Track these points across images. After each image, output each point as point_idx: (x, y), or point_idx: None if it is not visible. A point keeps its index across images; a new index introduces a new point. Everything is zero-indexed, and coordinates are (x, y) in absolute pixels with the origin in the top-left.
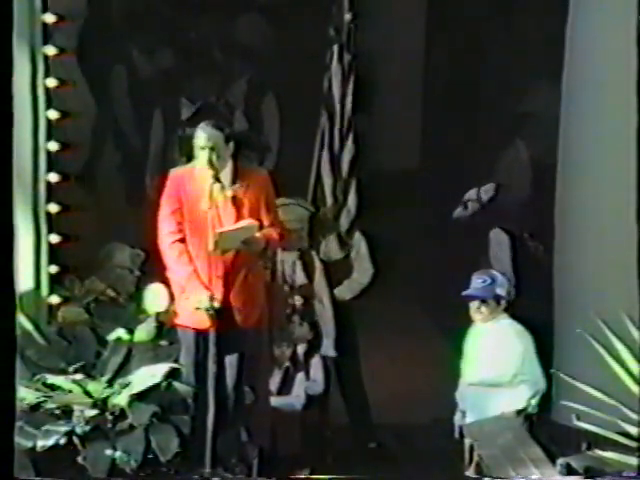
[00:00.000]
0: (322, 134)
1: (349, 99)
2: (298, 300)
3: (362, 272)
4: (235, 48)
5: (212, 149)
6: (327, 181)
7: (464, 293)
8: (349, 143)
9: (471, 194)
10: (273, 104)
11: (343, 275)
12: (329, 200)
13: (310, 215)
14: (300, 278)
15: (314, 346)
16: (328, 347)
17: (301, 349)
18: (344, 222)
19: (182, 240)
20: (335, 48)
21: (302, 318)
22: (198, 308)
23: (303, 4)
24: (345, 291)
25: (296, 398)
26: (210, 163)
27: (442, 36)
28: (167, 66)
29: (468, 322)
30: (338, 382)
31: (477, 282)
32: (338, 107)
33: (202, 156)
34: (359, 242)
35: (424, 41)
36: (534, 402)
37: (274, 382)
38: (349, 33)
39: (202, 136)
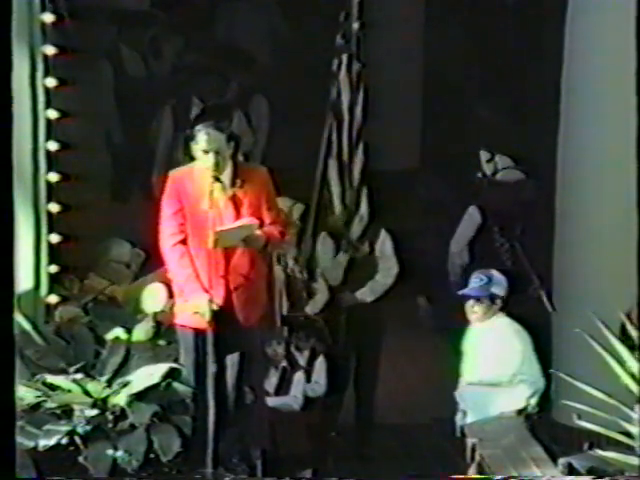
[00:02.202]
0: (329, 142)
1: (359, 108)
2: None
3: (385, 272)
4: (240, 53)
5: (217, 152)
6: (335, 189)
7: (460, 292)
8: (359, 152)
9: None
10: (276, 108)
11: (367, 276)
12: (338, 208)
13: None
14: (299, 278)
15: (318, 348)
16: None
17: (305, 352)
18: (356, 229)
19: (183, 241)
20: (344, 57)
21: (308, 336)
22: (197, 312)
23: (311, 12)
24: (368, 293)
25: (293, 398)
26: (216, 166)
27: (448, 42)
28: (168, 66)
29: (468, 322)
30: (338, 382)
31: (474, 281)
32: (347, 115)
33: (207, 159)
34: (384, 242)
35: (431, 47)
36: (533, 401)
37: (272, 382)
38: (358, 42)
39: (204, 138)
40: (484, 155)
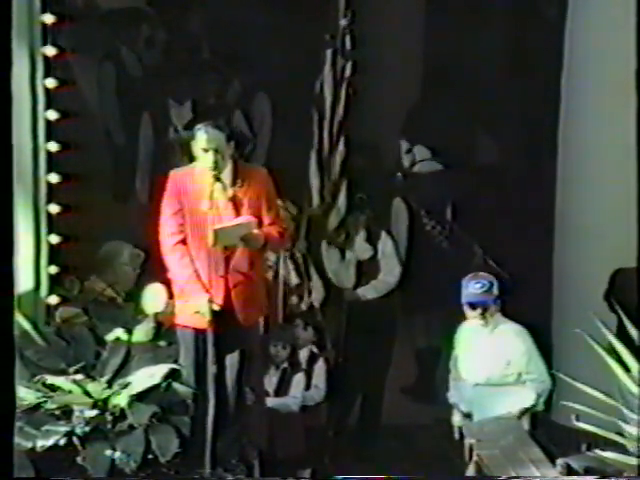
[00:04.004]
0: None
1: (342, 103)
2: (294, 300)
3: (388, 272)
4: (232, 50)
5: (216, 151)
6: (314, 182)
7: (467, 300)
8: (340, 146)
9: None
10: (267, 106)
11: (370, 275)
12: (316, 200)
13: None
14: (294, 278)
15: (318, 350)
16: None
17: (304, 353)
18: (333, 220)
19: (184, 241)
20: (329, 53)
21: (306, 323)
22: (197, 312)
23: (300, 8)
24: (369, 290)
25: (292, 399)
26: (215, 165)
27: (438, 41)
28: (167, 67)
29: (468, 322)
30: (338, 382)
31: (475, 287)
32: (329, 111)
33: (206, 158)
34: (385, 242)
35: (420, 45)
36: (542, 400)
37: (272, 383)
38: (343, 38)
39: (203, 137)
40: (404, 145)
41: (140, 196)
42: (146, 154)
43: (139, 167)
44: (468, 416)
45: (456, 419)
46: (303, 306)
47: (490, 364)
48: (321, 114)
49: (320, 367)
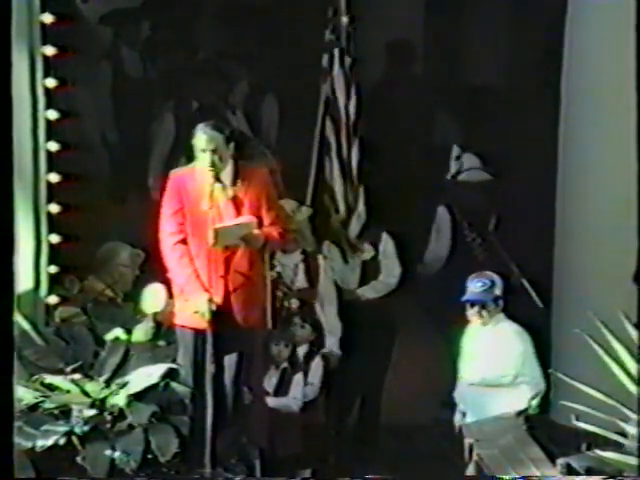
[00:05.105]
0: (323, 139)
1: (353, 103)
2: (294, 303)
3: (388, 272)
4: (233, 51)
5: (214, 151)
6: (337, 188)
7: (464, 298)
8: (355, 148)
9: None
10: (272, 106)
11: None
12: (341, 206)
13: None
14: (301, 281)
15: (315, 348)
16: (332, 345)
17: (302, 351)
18: (355, 228)
19: (183, 240)
20: (336, 52)
21: (304, 320)
22: (197, 311)
23: (300, 7)
24: (369, 290)
25: (293, 400)
26: (212, 165)
27: (440, 33)
28: (167, 68)
29: (467, 322)
30: (338, 382)
31: (476, 285)
32: (343, 112)
33: (204, 158)
34: (386, 242)
35: (422, 40)
36: (535, 403)
37: (272, 383)
38: (348, 36)
39: (202, 138)
40: (455, 151)
41: (139, 196)
42: (145, 154)
43: (138, 167)
44: (464, 415)
45: (457, 418)
46: (303, 305)
47: (486, 364)
48: (336, 118)
49: (317, 364)
